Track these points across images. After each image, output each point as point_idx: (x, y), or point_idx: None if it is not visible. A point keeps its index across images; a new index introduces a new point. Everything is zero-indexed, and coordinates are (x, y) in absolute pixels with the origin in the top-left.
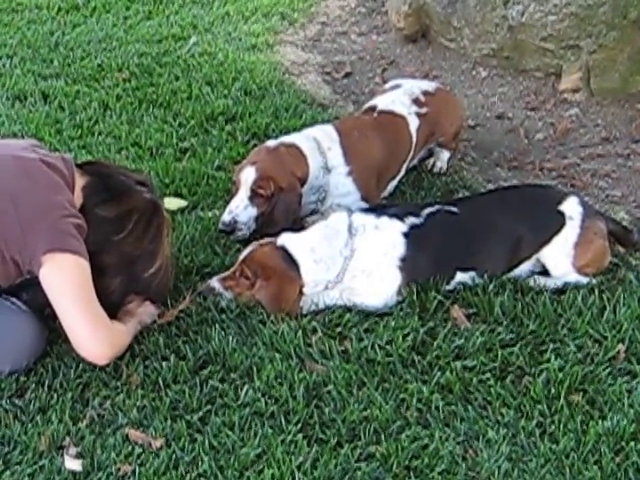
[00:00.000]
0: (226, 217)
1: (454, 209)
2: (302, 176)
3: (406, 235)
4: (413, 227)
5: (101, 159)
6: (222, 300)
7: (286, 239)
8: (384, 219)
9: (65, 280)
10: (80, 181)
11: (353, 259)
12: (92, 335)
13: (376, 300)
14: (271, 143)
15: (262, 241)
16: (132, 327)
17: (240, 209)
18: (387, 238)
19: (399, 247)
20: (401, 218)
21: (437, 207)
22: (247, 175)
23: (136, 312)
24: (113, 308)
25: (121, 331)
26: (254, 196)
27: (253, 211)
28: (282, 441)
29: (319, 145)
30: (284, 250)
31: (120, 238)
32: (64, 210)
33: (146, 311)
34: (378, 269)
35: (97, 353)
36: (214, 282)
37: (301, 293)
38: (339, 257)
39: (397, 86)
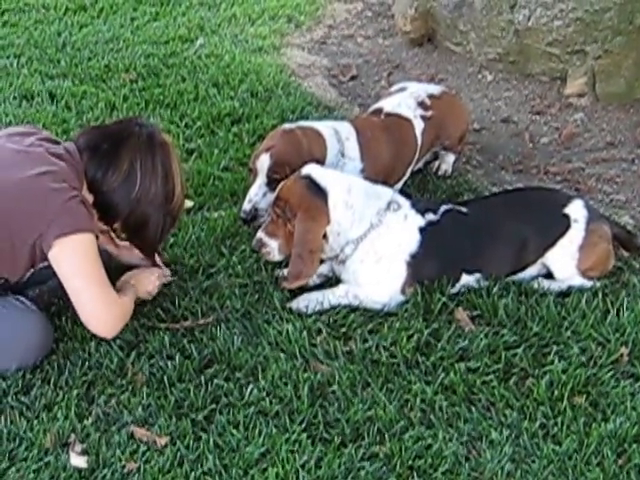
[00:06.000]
0: (246, 206)
1: (464, 209)
2: (320, 157)
3: (422, 230)
4: (430, 224)
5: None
6: (269, 256)
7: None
8: (413, 212)
9: (74, 259)
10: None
11: (374, 231)
12: (104, 311)
13: (379, 293)
14: (287, 126)
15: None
16: (133, 296)
17: (259, 196)
18: (407, 231)
19: (413, 243)
20: (422, 214)
21: (450, 205)
22: (262, 162)
23: (134, 281)
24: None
25: (127, 301)
26: (271, 182)
27: (272, 196)
28: (286, 440)
29: (338, 134)
30: (311, 180)
31: (136, 191)
32: (66, 193)
33: (143, 282)
34: (387, 258)
35: (108, 328)
36: (259, 234)
37: (325, 237)
38: (367, 220)
39: (403, 89)
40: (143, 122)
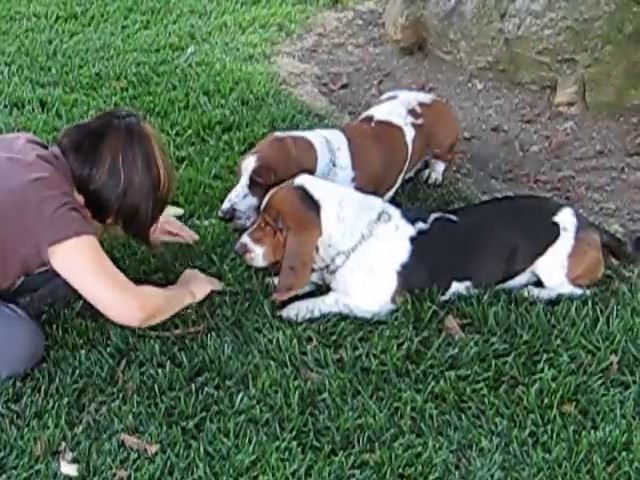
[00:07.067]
0: (225, 205)
1: (453, 217)
2: (310, 168)
3: (412, 240)
4: (420, 233)
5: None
6: (252, 262)
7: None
8: (403, 222)
9: (76, 262)
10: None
11: (366, 243)
12: (119, 299)
13: (369, 303)
14: (279, 134)
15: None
16: (176, 293)
17: (239, 197)
18: (398, 241)
19: (404, 253)
20: (413, 223)
21: (440, 213)
22: (247, 164)
23: (194, 288)
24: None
25: (151, 293)
26: (253, 185)
27: (253, 200)
28: (276, 448)
29: (329, 143)
30: (304, 191)
31: (122, 185)
32: (58, 200)
33: (199, 286)
34: (378, 269)
35: (129, 315)
36: (244, 238)
37: (315, 249)
38: (358, 232)
39: (393, 97)
40: (122, 114)
